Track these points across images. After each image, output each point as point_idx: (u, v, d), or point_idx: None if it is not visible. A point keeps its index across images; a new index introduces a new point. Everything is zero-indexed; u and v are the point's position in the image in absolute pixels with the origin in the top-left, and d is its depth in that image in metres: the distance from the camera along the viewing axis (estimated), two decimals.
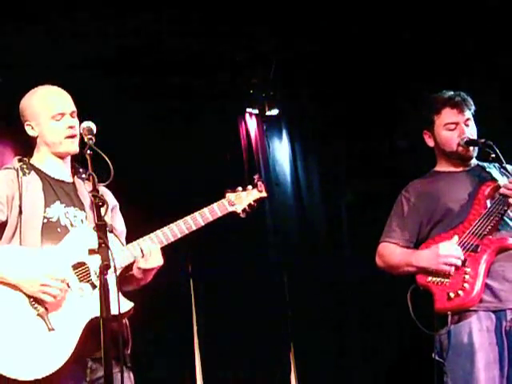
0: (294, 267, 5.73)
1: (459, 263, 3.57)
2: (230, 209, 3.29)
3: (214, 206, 3.27)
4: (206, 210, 3.25)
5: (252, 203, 3.32)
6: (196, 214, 3.23)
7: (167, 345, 5.18)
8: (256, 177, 3.38)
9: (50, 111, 3.20)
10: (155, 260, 3.14)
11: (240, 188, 3.33)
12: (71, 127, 3.20)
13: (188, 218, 3.21)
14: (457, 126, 3.78)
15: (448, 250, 3.58)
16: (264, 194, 3.37)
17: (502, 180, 3.69)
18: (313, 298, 5.63)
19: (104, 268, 2.69)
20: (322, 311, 5.62)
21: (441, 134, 3.83)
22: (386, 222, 3.92)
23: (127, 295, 3.11)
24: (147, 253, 3.12)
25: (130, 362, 3.17)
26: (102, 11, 4.74)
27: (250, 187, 3.35)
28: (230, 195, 3.31)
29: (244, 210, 3.31)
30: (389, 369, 5.47)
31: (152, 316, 4.56)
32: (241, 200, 3.31)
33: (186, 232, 3.20)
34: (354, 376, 5.51)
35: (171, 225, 3.20)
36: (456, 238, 3.61)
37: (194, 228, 3.21)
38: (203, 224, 3.23)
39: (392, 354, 5.41)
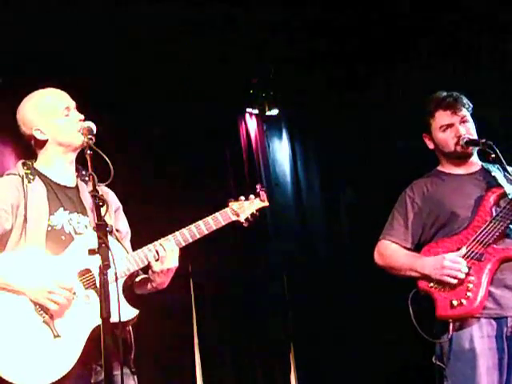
0: (293, 267, 5.73)
1: (463, 276, 3.56)
2: (233, 218, 3.29)
3: (217, 215, 3.26)
4: (209, 218, 3.24)
5: (254, 212, 3.34)
6: (199, 222, 3.22)
7: (167, 345, 5.18)
8: (258, 186, 3.40)
9: (56, 109, 3.20)
10: (171, 261, 3.14)
11: (243, 197, 3.34)
12: (81, 120, 3.21)
13: (192, 227, 3.21)
14: (451, 126, 3.79)
15: (453, 263, 3.58)
16: (266, 204, 3.38)
17: (507, 186, 3.70)
18: (313, 299, 5.63)
19: (104, 268, 2.69)
20: (322, 311, 5.62)
21: (438, 136, 3.84)
22: (388, 219, 3.92)
23: (131, 300, 3.11)
24: (163, 255, 3.12)
25: (133, 366, 3.17)
26: (102, 11, 4.74)
27: (252, 197, 3.36)
28: (232, 204, 3.31)
29: (247, 220, 3.32)
30: (389, 370, 5.46)
31: (152, 316, 4.55)
32: (243, 209, 3.31)
33: (190, 241, 3.20)
34: (354, 376, 5.51)
35: (175, 233, 3.19)
36: (464, 250, 3.60)
37: (198, 236, 3.21)
38: (206, 233, 3.22)
39: (393, 355, 5.41)
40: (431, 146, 3.91)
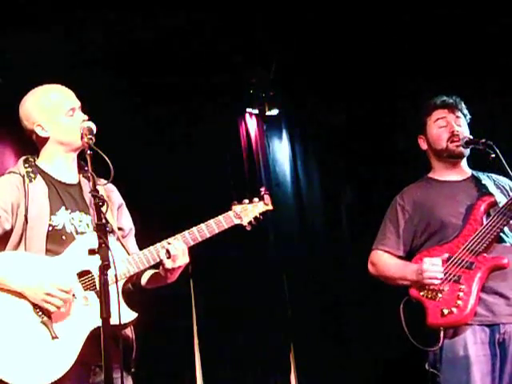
0: (293, 267, 5.73)
1: (441, 276, 3.60)
2: (236, 221, 3.25)
3: (220, 218, 3.23)
4: (212, 221, 3.21)
5: (258, 216, 3.29)
6: (202, 225, 3.20)
7: (167, 345, 5.18)
8: (263, 189, 3.34)
9: (61, 107, 3.18)
10: (182, 259, 3.14)
11: (246, 200, 3.29)
12: (86, 121, 3.19)
13: (194, 230, 3.19)
14: (447, 124, 3.81)
15: (431, 265, 3.62)
16: (270, 207, 3.33)
17: (498, 194, 3.71)
18: (313, 298, 5.63)
19: (104, 268, 2.69)
20: (322, 311, 5.62)
21: (432, 132, 3.87)
22: (380, 228, 3.93)
23: (130, 302, 3.11)
24: (175, 253, 3.12)
25: (133, 367, 3.17)
26: (102, 11, 4.74)
27: (256, 200, 3.31)
28: (236, 207, 3.27)
29: (250, 223, 3.27)
30: (389, 369, 5.46)
31: (152, 316, 4.55)
32: (247, 212, 3.27)
33: (192, 243, 3.19)
34: (354, 376, 5.50)
35: (177, 236, 3.18)
36: (446, 255, 3.64)
37: (200, 240, 3.19)
38: (209, 236, 3.20)
39: (392, 355, 5.40)
40: (424, 146, 3.94)
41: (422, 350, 3.65)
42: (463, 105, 3.89)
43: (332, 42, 5.36)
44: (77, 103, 3.23)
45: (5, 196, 3.10)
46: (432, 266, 3.61)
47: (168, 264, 3.13)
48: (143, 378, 3.34)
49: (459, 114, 3.86)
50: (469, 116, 3.91)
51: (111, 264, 2.69)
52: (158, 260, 3.14)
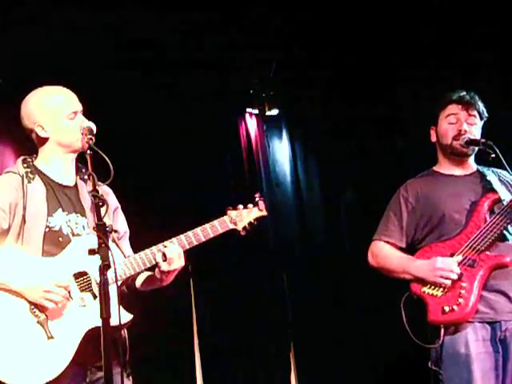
0: (293, 267, 5.73)
1: (455, 277, 3.58)
2: (231, 226, 3.30)
3: (215, 222, 3.27)
4: (207, 225, 3.25)
5: (252, 221, 3.33)
6: (197, 229, 3.23)
7: (167, 345, 5.18)
8: (257, 195, 3.38)
9: (63, 110, 3.19)
10: (177, 262, 3.17)
11: (241, 206, 3.33)
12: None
13: (190, 234, 3.22)
14: (457, 121, 3.79)
15: (445, 265, 3.60)
16: (264, 213, 3.37)
17: (502, 191, 3.70)
18: (313, 299, 5.63)
19: (104, 268, 2.69)
20: (322, 311, 5.62)
21: (441, 125, 3.85)
22: (382, 219, 3.92)
23: (129, 302, 3.12)
24: (171, 256, 3.14)
25: (129, 368, 3.18)
26: (101, 10, 4.74)
27: (250, 205, 3.35)
28: (231, 212, 3.31)
29: (244, 228, 3.32)
30: (389, 369, 5.46)
31: (152, 316, 4.56)
32: (241, 218, 3.31)
33: (187, 247, 3.22)
34: (354, 376, 5.51)
35: (172, 239, 3.21)
36: (460, 257, 3.62)
37: (196, 244, 3.23)
38: (204, 240, 3.24)
39: (392, 356, 5.41)
40: (434, 138, 3.92)
41: (422, 347, 3.65)
42: (480, 103, 3.84)
43: (332, 41, 5.36)
44: (79, 107, 3.24)
45: (3, 195, 3.11)
46: (446, 266, 3.59)
47: (164, 267, 3.16)
48: (143, 378, 3.34)
49: (473, 112, 3.81)
50: (486, 114, 3.86)
51: (111, 263, 2.70)
52: (154, 263, 3.17)
